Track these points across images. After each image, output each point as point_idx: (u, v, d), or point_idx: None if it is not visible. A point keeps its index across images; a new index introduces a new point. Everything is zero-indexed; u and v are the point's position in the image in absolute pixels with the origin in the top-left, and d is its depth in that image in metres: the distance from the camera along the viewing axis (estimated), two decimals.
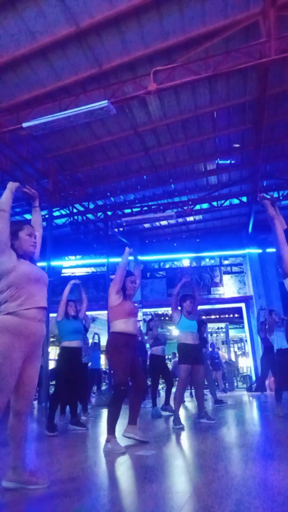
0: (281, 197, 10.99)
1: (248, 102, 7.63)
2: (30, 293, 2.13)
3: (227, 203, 11.44)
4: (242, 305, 13.58)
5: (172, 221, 12.71)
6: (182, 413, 5.45)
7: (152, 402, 6.01)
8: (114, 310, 3.58)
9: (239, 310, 14.26)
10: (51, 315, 7.65)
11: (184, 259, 14.49)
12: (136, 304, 3.91)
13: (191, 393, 8.27)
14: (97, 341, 9.91)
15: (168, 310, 16.09)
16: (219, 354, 12.09)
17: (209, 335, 13.77)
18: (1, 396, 1.98)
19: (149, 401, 6.64)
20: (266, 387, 8.71)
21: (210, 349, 10.41)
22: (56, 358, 4.85)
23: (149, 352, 6.58)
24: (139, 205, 11.56)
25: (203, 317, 9.63)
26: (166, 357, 7.85)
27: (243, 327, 15.02)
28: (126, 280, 3.73)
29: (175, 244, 14.41)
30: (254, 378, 12.07)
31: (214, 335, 16.01)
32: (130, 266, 4.10)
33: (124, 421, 3.75)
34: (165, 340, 6.44)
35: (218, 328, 16.60)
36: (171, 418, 5.29)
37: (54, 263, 12.33)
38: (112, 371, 3.77)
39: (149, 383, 6.77)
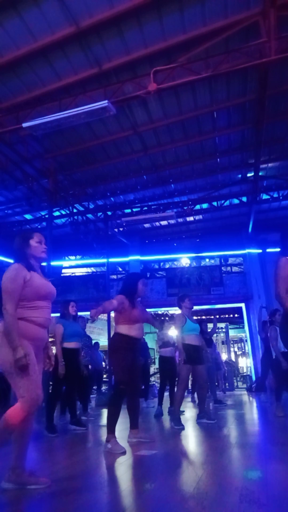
0: (281, 197, 10.99)
1: (248, 102, 7.62)
2: (39, 306, 2.32)
3: (227, 203, 11.43)
4: (242, 305, 13.56)
5: (172, 221, 12.70)
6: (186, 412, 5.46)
7: (158, 401, 6.03)
8: (120, 315, 3.57)
9: (239, 310, 14.24)
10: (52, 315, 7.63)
11: (184, 259, 14.50)
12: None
13: (192, 398, 8.27)
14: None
15: (168, 310, 16.10)
16: (220, 354, 12.10)
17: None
18: (37, 389, 2.14)
19: (153, 400, 6.66)
20: (266, 387, 8.71)
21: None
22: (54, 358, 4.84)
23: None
24: (139, 205, 11.55)
25: (203, 317, 9.63)
26: None
27: (243, 327, 15.02)
28: (139, 282, 3.68)
29: (175, 244, 14.40)
30: (254, 378, 12.07)
31: (214, 335, 16.01)
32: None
33: (124, 421, 3.75)
34: (174, 342, 6.42)
35: (218, 328, 16.60)
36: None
37: (54, 263, 12.34)
38: (112, 370, 3.78)
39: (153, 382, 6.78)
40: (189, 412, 6.07)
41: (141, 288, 3.66)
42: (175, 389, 5.38)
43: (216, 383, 10.12)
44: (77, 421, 4.60)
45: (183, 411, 5.70)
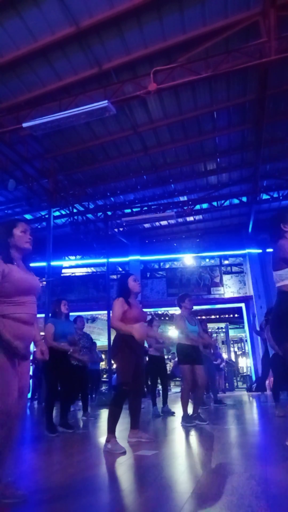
0: (281, 197, 10.99)
1: (248, 102, 7.63)
2: (21, 302, 2.11)
3: (227, 203, 11.44)
4: (242, 305, 13.57)
5: (172, 221, 12.71)
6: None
7: (152, 401, 6.02)
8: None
9: (239, 310, 14.25)
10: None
11: (184, 259, 14.50)
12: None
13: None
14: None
15: (168, 310, 16.09)
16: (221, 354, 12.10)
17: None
18: (8, 397, 1.94)
19: (149, 401, 6.65)
20: (266, 387, 8.70)
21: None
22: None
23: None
24: (139, 205, 11.56)
25: (203, 317, 9.64)
26: (166, 357, 7.86)
27: (243, 327, 15.02)
28: (129, 280, 3.68)
29: (175, 244, 14.41)
30: (254, 378, 12.07)
31: (214, 335, 16.01)
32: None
33: (124, 421, 3.75)
34: (162, 341, 6.43)
35: (218, 328, 16.59)
36: (171, 418, 5.31)
37: (54, 263, 12.33)
38: (115, 371, 3.77)
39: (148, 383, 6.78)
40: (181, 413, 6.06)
41: (133, 284, 3.64)
42: (175, 389, 5.36)
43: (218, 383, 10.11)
44: (65, 423, 4.51)
45: (174, 412, 5.70)
